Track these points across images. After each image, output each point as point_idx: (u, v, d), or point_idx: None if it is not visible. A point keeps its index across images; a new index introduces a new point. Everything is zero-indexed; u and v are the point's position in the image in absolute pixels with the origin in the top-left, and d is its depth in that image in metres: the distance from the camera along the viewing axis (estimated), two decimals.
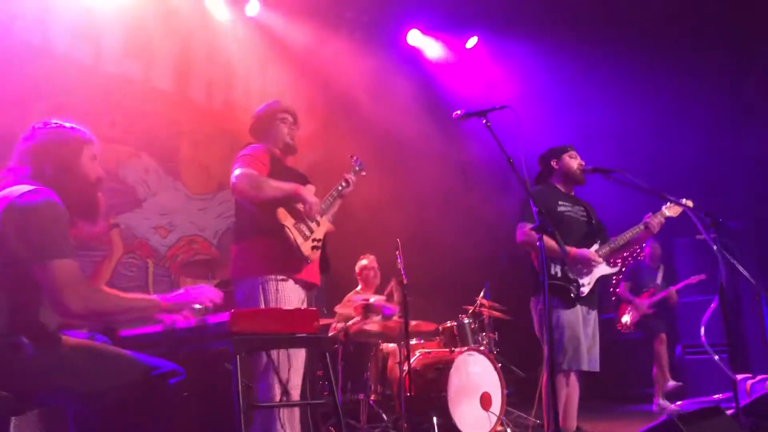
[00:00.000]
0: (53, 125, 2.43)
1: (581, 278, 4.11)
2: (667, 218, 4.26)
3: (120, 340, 2.57)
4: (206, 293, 2.46)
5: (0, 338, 2.12)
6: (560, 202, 4.24)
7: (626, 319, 7.12)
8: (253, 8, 6.95)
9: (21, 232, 2.15)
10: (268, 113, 3.77)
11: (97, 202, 2.44)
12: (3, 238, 2.15)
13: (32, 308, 2.22)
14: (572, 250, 4.05)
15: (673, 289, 7.08)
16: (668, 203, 4.23)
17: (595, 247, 4.19)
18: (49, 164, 2.34)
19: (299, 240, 3.45)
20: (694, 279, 7.07)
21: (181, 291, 2.47)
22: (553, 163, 4.36)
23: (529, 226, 3.88)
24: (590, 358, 4.11)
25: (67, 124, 2.45)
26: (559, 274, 4.07)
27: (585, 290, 4.10)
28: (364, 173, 4.13)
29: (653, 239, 6.57)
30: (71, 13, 5.95)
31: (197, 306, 2.45)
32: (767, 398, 3.99)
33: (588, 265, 4.11)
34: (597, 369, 4.20)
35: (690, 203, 4.16)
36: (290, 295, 3.44)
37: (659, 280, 7.20)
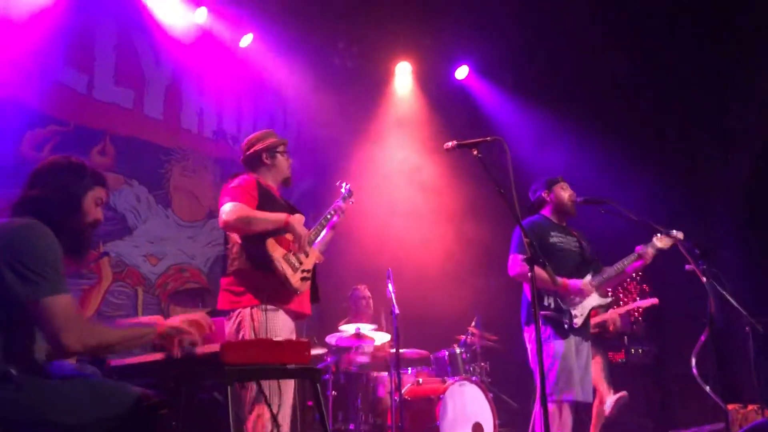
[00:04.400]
0: (72, 159, 2.45)
1: (574, 309, 4.11)
2: (659, 249, 4.29)
3: (110, 369, 2.55)
4: (202, 319, 2.46)
5: None
6: (552, 233, 4.26)
7: None
8: (246, 40, 7.03)
9: (15, 267, 2.14)
10: (268, 146, 3.75)
11: (86, 244, 2.44)
12: None
13: (22, 340, 2.20)
14: (564, 281, 4.06)
15: (615, 313, 5.75)
16: (659, 234, 4.27)
17: (588, 277, 4.20)
18: (54, 193, 2.35)
19: (288, 272, 3.44)
20: (644, 302, 5.89)
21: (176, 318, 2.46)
22: (544, 195, 4.40)
23: (522, 257, 3.88)
24: (583, 389, 4.10)
25: (87, 163, 2.48)
26: (552, 305, 4.08)
27: (578, 321, 4.10)
28: (353, 200, 4.12)
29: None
30: (65, 41, 5.98)
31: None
32: (759, 428, 3.99)
33: (581, 296, 4.11)
34: (590, 400, 4.19)
35: (680, 235, 4.20)
36: (280, 325, 3.43)
37: None
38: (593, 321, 5.60)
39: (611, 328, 5.79)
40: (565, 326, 4.05)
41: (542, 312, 3.99)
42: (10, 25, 5.56)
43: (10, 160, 5.38)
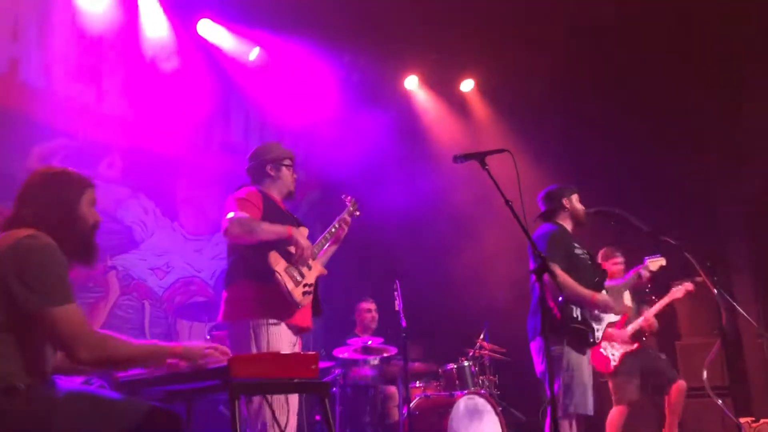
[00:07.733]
0: (55, 169, 2.44)
1: (596, 324, 4.06)
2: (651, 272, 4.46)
3: (118, 383, 2.53)
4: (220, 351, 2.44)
5: None
6: (575, 244, 4.17)
7: (612, 356, 5.40)
8: (254, 53, 7.07)
9: (22, 277, 2.12)
10: (274, 158, 3.73)
11: (94, 247, 2.43)
12: (2, 282, 2.13)
13: (29, 353, 2.18)
14: (595, 294, 4.01)
15: (651, 316, 5.36)
16: (651, 257, 4.48)
17: (603, 292, 4.14)
18: (49, 207, 2.33)
19: (290, 285, 3.41)
20: (679, 291, 5.34)
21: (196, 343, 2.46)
22: (565, 202, 4.28)
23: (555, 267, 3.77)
24: (590, 402, 4.04)
25: (69, 169, 2.46)
26: (580, 318, 3.99)
27: (599, 335, 4.05)
28: (358, 213, 4.09)
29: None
30: (72, 55, 6.00)
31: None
32: None
33: (605, 311, 4.07)
34: (592, 413, 4.14)
35: (663, 261, 4.43)
36: (282, 339, 3.40)
37: (628, 301, 5.43)
38: (632, 331, 5.38)
39: (649, 332, 5.43)
40: (591, 340, 3.99)
41: (572, 324, 3.93)
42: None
43: (19, 174, 5.39)
